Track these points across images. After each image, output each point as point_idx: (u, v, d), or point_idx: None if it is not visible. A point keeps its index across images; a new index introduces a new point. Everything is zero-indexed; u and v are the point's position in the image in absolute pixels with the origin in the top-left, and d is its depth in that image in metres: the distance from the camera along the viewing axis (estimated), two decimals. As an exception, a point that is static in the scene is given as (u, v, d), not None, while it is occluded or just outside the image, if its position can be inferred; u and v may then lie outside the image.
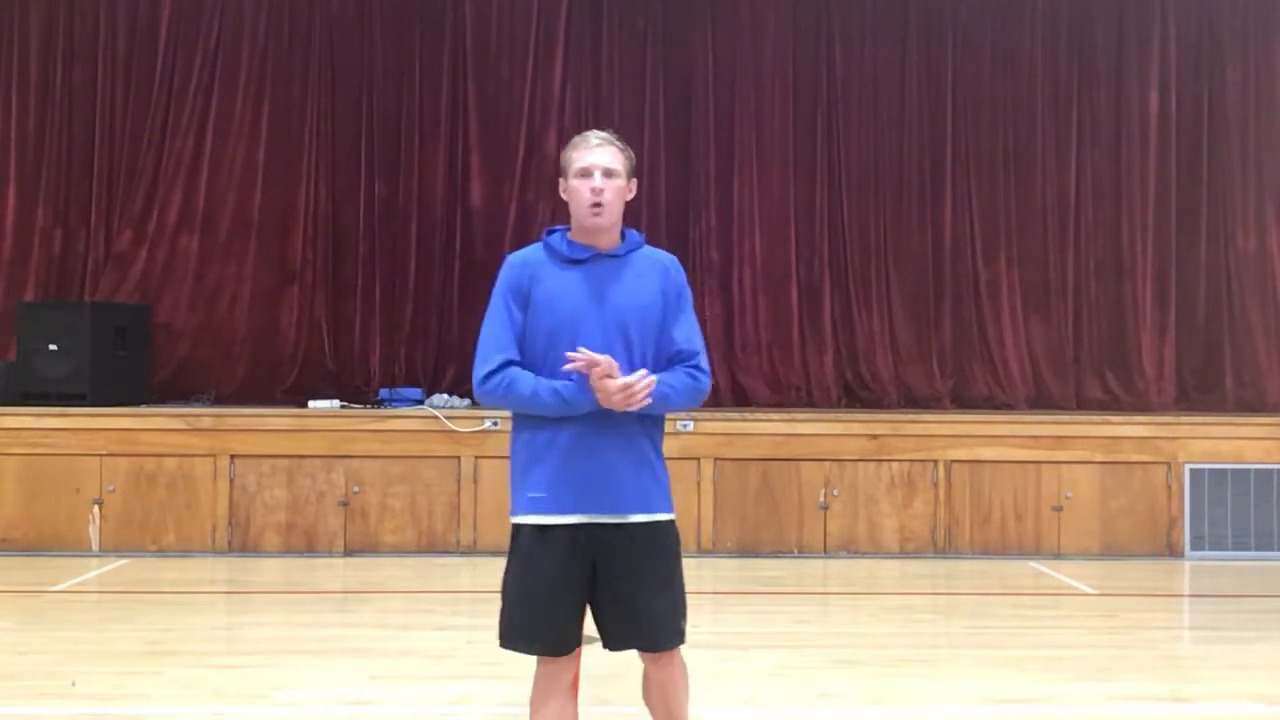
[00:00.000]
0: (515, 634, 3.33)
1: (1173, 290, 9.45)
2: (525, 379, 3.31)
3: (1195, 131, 9.54)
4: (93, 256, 9.22)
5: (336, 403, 8.48)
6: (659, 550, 3.36)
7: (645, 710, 3.57)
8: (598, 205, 3.36)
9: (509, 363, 3.33)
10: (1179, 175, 9.52)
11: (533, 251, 3.45)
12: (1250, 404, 9.26)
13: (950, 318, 9.45)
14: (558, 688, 3.37)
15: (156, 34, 9.25)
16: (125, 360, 8.46)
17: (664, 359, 3.42)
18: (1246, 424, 8.42)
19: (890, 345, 9.42)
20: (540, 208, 9.28)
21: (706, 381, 3.48)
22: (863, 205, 9.48)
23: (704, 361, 3.48)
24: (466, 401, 8.48)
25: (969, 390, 9.37)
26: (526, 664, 3.30)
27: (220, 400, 8.84)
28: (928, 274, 9.46)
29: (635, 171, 3.48)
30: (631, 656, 3.46)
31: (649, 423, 3.40)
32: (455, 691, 4.95)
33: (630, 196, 3.46)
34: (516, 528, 3.38)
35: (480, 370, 3.35)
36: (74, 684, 4.94)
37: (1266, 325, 9.41)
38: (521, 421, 3.39)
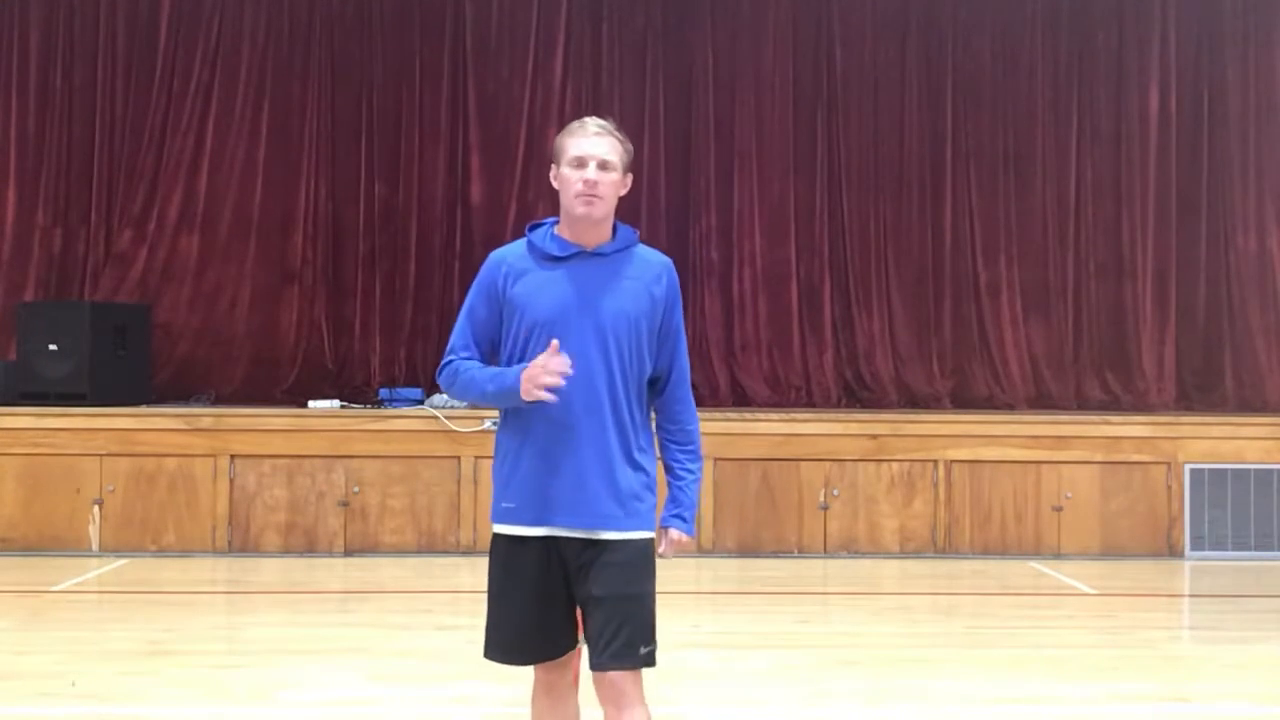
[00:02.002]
0: (494, 645, 3.26)
1: (1173, 290, 9.45)
2: (465, 370, 3.20)
3: (1195, 131, 9.54)
4: (93, 256, 9.22)
5: (336, 403, 8.48)
6: (630, 571, 3.14)
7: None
8: (590, 196, 3.12)
9: (455, 354, 3.25)
10: (1179, 175, 9.52)
11: (514, 248, 3.26)
12: (1250, 404, 9.26)
13: (950, 318, 9.45)
14: (557, 690, 3.25)
15: (156, 34, 9.25)
16: (125, 360, 8.45)
17: (646, 376, 3.21)
18: (1246, 424, 8.41)
19: (890, 345, 9.42)
20: (540, 208, 9.27)
21: (698, 437, 3.35)
22: (863, 205, 9.48)
23: (691, 401, 3.34)
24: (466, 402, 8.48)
25: (969, 390, 9.37)
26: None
27: (220, 400, 8.84)
28: (928, 274, 9.46)
29: (632, 165, 3.25)
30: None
31: (629, 427, 3.17)
32: (455, 691, 4.95)
33: (624, 192, 3.22)
34: (493, 535, 3.29)
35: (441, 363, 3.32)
36: (74, 684, 4.93)
37: (1266, 325, 9.41)
38: (502, 422, 3.24)
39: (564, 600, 3.17)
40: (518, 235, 3.24)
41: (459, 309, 3.33)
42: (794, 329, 9.38)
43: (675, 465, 3.31)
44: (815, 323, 9.43)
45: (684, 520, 3.29)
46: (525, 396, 3.02)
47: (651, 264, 3.24)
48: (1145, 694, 5.04)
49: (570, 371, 3.00)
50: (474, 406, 8.25)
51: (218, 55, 9.27)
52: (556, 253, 3.17)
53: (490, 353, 3.24)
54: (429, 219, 9.34)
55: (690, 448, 3.32)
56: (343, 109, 9.35)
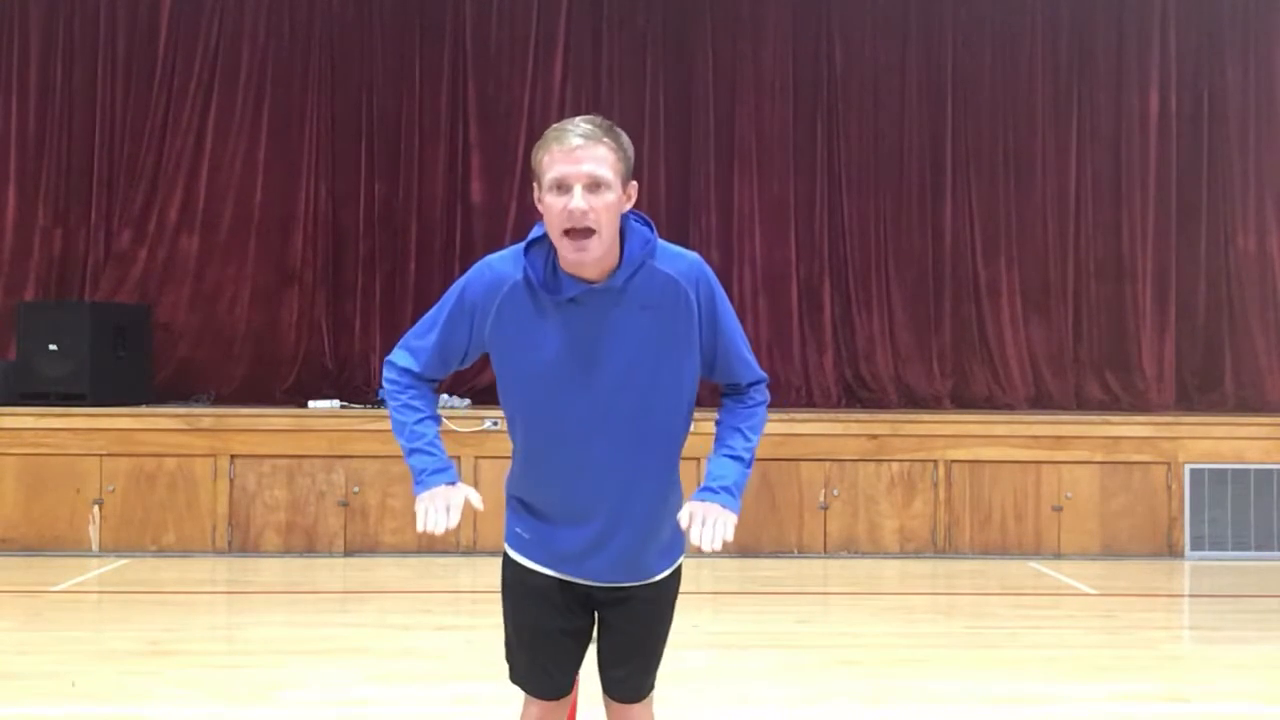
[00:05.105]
0: (519, 672, 2.91)
1: (1173, 290, 9.45)
2: (405, 411, 2.74)
3: (1195, 132, 9.54)
4: (93, 256, 9.22)
5: (336, 403, 8.49)
6: (656, 609, 2.86)
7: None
8: (580, 238, 2.50)
9: (413, 376, 2.77)
10: (1179, 175, 9.52)
11: (510, 269, 2.64)
12: (1250, 404, 9.27)
13: (950, 318, 9.46)
14: None
15: (156, 34, 9.25)
16: (125, 360, 8.46)
17: (689, 405, 2.73)
18: (1246, 424, 8.42)
19: (890, 345, 9.42)
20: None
21: (765, 407, 2.82)
22: (863, 205, 9.48)
23: (763, 386, 2.80)
24: (467, 401, 8.48)
25: (969, 390, 9.37)
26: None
27: (220, 400, 8.84)
28: (928, 274, 9.46)
29: (633, 171, 2.63)
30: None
31: (663, 474, 2.72)
32: (455, 691, 4.95)
33: (629, 205, 2.61)
34: (505, 554, 2.88)
35: (390, 358, 2.81)
36: (74, 684, 4.94)
37: (1266, 325, 9.41)
38: (512, 429, 2.80)
39: (578, 638, 2.87)
40: (518, 236, 2.92)
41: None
42: (794, 329, 9.38)
43: (718, 442, 2.76)
44: (815, 323, 9.43)
45: (715, 491, 2.63)
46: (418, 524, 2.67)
47: (673, 280, 2.62)
48: (1145, 694, 5.04)
49: (456, 520, 2.66)
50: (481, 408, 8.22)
51: (218, 55, 9.27)
52: (556, 295, 2.59)
53: (447, 371, 2.81)
54: (429, 219, 9.34)
55: (745, 427, 2.75)
56: (343, 109, 9.35)
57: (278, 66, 9.32)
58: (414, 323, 2.85)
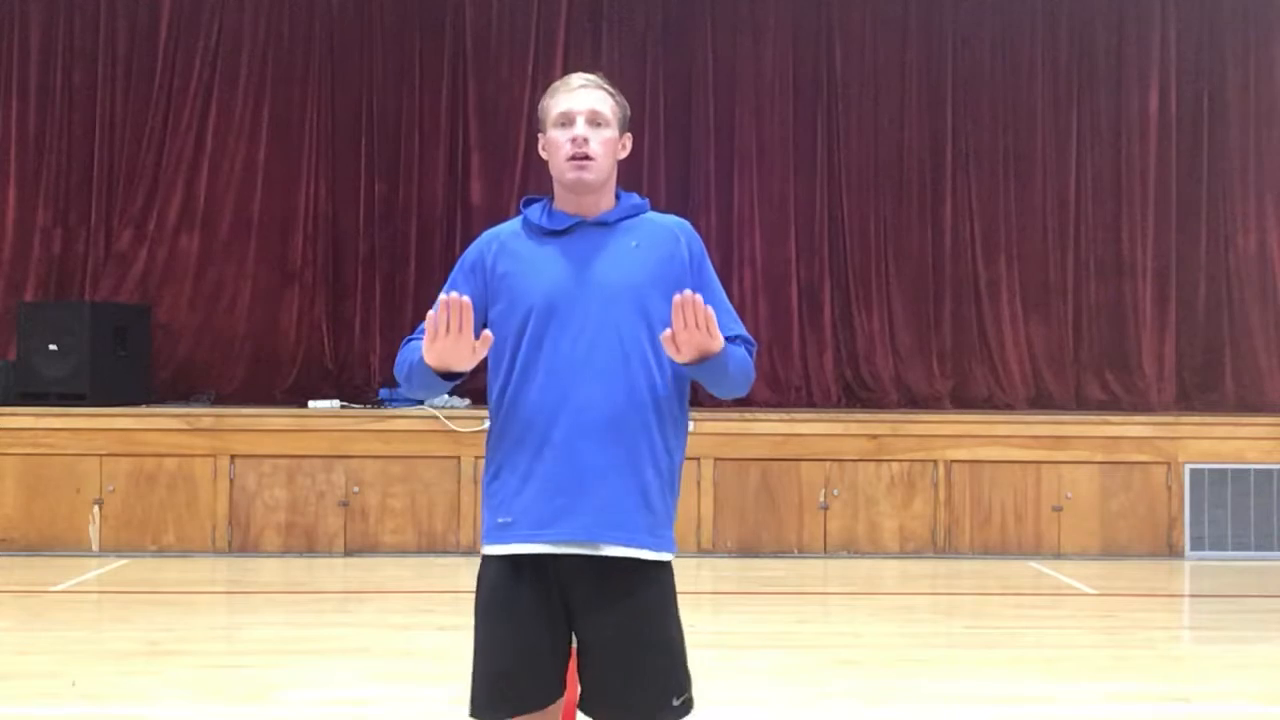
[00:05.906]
0: (481, 699, 2.69)
1: (1173, 290, 9.45)
2: (406, 348, 2.74)
3: (1195, 131, 9.54)
4: (93, 256, 9.21)
5: (336, 403, 8.48)
6: (641, 600, 2.64)
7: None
8: (582, 158, 2.68)
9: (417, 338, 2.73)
10: (1179, 175, 9.51)
11: (508, 225, 2.87)
12: (1250, 404, 9.26)
13: (950, 318, 9.45)
14: None
15: (156, 34, 9.25)
16: (125, 360, 8.46)
17: None
18: (1246, 424, 8.41)
19: (890, 345, 9.42)
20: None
21: (750, 363, 2.77)
22: (863, 205, 9.48)
23: (752, 348, 2.78)
24: (467, 401, 8.48)
25: (969, 390, 9.37)
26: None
27: (220, 400, 8.84)
28: (928, 274, 9.46)
29: (629, 124, 2.82)
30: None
31: (655, 420, 2.66)
32: (455, 691, 4.93)
33: (624, 154, 2.80)
34: (483, 559, 2.76)
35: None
36: (74, 684, 4.94)
37: (1266, 325, 9.41)
38: (491, 424, 2.77)
39: (561, 637, 2.67)
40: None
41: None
42: (794, 329, 9.37)
43: None
44: (815, 323, 9.43)
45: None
46: (430, 359, 2.57)
47: (665, 226, 2.78)
48: (1145, 694, 5.04)
49: (465, 303, 2.53)
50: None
51: (218, 56, 9.26)
52: (551, 226, 2.74)
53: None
54: (429, 219, 9.34)
55: (740, 354, 2.72)
56: (343, 109, 9.35)
57: (278, 66, 9.32)
58: (414, 322, 2.91)
